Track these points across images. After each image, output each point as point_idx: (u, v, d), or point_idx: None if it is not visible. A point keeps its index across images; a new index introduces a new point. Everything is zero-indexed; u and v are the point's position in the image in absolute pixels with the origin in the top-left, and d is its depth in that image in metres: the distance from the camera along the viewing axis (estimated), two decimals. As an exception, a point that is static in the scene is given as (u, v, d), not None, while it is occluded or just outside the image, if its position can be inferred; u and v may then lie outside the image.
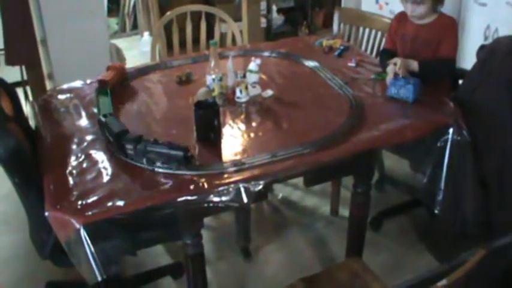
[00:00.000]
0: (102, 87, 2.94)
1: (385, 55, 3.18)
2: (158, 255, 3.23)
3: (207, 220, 2.39)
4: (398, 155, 3.26)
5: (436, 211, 2.80)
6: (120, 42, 6.09)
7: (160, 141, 2.31)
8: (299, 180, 2.64)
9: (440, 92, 2.93)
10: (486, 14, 4.15)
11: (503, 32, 3.92)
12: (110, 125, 2.43)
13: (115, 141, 2.38)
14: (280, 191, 3.77)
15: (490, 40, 4.02)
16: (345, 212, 3.39)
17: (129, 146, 2.32)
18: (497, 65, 2.85)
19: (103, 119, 2.48)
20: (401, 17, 3.18)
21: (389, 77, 2.89)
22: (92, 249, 2.08)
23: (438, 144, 2.68)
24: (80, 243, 2.06)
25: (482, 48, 3.00)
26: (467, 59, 3.04)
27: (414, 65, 2.92)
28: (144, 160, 2.29)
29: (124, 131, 2.39)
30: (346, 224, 2.94)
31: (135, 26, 6.79)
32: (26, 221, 2.50)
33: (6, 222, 3.63)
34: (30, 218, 2.46)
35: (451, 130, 2.65)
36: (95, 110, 2.76)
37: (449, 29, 3.05)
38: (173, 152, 2.26)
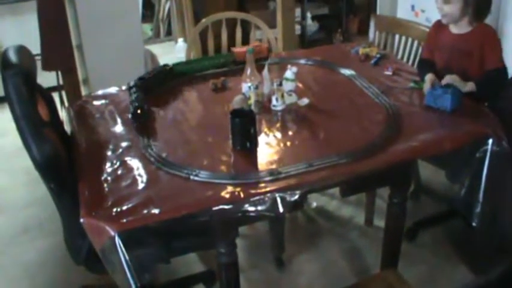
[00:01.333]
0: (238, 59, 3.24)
1: (423, 64, 3.14)
2: (191, 262, 3.22)
3: (241, 229, 2.36)
4: (436, 165, 3.21)
5: (473, 223, 2.75)
6: (154, 48, 6.11)
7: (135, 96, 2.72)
8: (334, 190, 2.61)
9: (478, 101, 2.88)
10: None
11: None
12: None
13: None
14: (315, 200, 3.74)
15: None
16: (379, 222, 3.35)
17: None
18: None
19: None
20: (439, 25, 3.14)
21: (427, 86, 2.85)
22: (127, 256, 2.07)
23: (477, 155, 2.63)
24: (115, 250, 2.06)
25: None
26: (507, 68, 2.99)
27: (470, 86, 2.86)
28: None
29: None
30: (381, 234, 2.90)
31: (169, 32, 6.82)
32: (60, 225, 2.51)
33: (40, 226, 3.66)
34: (65, 224, 2.47)
35: (490, 141, 2.60)
36: (130, 117, 2.76)
37: (491, 39, 3.00)
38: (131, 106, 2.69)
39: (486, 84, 2.92)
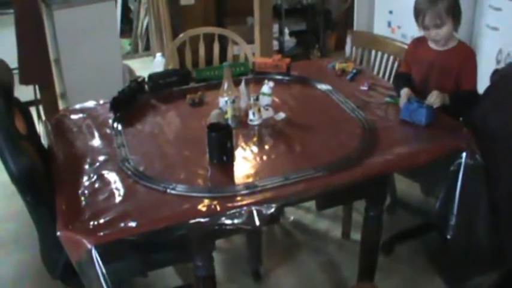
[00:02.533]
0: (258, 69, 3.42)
1: (400, 79, 3.18)
2: (168, 276, 3.21)
3: (218, 242, 2.38)
4: (411, 179, 3.25)
5: (448, 236, 2.78)
6: (133, 63, 6.13)
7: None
8: (311, 204, 2.64)
9: (452, 116, 2.92)
10: (498, 38, 4.16)
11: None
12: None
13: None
14: (292, 214, 3.76)
15: (502, 64, 4.02)
16: (356, 235, 3.37)
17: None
18: (510, 90, 2.85)
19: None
20: (419, 41, 3.19)
21: (402, 101, 2.89)
22: (104, 270, 2.06)
23: (451, 169, 2.67)
24: (92, 263, 2.05)
25: (495, 72, 3.01)
26: (479, 83, 3.04)
27: (446, 99, 2.90)
28: None
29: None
30: (358, 247, 2.93)
31: (147, 47, 6.83)
32: (37, 240, 2.50)
33: (16, 240, 3.63)
34: (42, 237, 2.47)
35: (464, 154, 2.63)
36: (108, 131, 2.77)
37: (470, 60, 3.06)
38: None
39: (460, 101, 2.97)
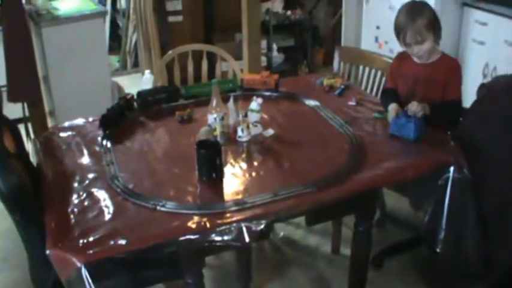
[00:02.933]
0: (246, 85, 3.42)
1: (387, 94, 3.20)
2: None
3: (208, 259, 2.38)
4: (399, 193, 3.26)
5: (437, 249, 2.79)
6: (121, 80, 6.14)
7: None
8: (300, 219, 2.64)
9: (440, 130, 2.94)
10: (484, 52, 4.20)
11: (501, 70, 3.96)
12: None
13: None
14: (281, 229, 3.76)
15: (488, 78, 4.06)
16: (346, 250, 3.37)
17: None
18: (496, 104, 2.87)
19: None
20: (403, 56, 3.21)
21: (391, 115, 2.90)
22: (93, 288, 2.06)
23: (439, 183, 2.68)
24: (81, 282, 2.05)
25: (482, 86, 3.03)
26: (466, 97, 3.07)
27: (426, 109, 2.90)
28: None
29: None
30: (348, 262, 2.93)
31: (136, 64, 6.83)
32: (26, 259, 2.49)
33: (5, 259, 3.61)
34: (31, 256, 2.45)
35: (451, 168, 2.65)
36: (97, 148, 2.76)
37: (455, 71, 3.08)
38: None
39: (441, 111, 2.98)
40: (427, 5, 3.07)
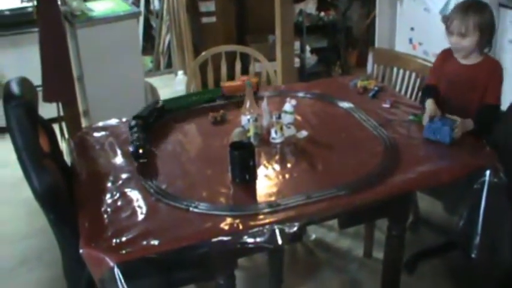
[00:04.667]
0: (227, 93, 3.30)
1: (427, 91, 3.16)
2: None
3: (240, 260, 2.38)
4: (434, 197, 3.23)
5: (472, 255, 2.75)
6: (154, 81, 6.16)
7: (136, 136, 2.70)
8: (333, 222, 2.63)
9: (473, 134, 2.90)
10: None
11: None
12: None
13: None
14: (314, 232, 3.74)
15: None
16: (378, 254, 3.35)
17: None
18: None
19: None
20: (446, 54, 3.17)
21: (427, 114, 2.87)
22: (126, 287, 2.07)
23: (474, 187, 2.64)
24: (114, 281, 2.06)
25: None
26: (503, 99, 3.03)
27: (470, 124, 2.88)
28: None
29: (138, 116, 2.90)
30: (380, 266, 2.91)
31: (169, 65, 6.87)
32: (59, 257, 2.51)
33: (39, 257, 3.66)
34: (64, 255, 2.48)
35: (487, 172, 2.61)
36: (130, 148, 2.77)
37: (496, 74, 3.04)
38: (131, 146, 2.65)
39: (485, 120, 2.96)
40: (488, 7, 3.03)
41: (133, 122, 2.85)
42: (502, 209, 2.68)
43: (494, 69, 3.05)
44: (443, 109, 2.92)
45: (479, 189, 2.64)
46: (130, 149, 2.66)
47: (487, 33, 2.99)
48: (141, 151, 2.63)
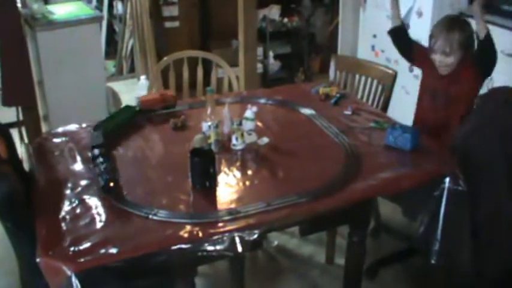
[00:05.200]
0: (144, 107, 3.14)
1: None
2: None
3: (201, 267, 2.36)
4: (395, 203, 3.24)
5: (432, 261, 2.77)
6: (117, 85, 6.11)
7: (108, 164, 2.53)
8: (294, 228, 2.62)
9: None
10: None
11: (498, 81, 3.94)
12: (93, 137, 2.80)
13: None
14: (276, 238, 3.73)
15: (485, 89, 4.04)
16: (340, 260, 3.35)
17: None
18: (491, 114, 2.87)
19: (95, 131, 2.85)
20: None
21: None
22: (84, 297, 2.04)
23: (435, 193, 2.67)
24: (72, 290, 2.02)
25: (479, 97, 3.04)
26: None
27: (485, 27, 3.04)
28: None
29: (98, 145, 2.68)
30: (342, 272, 2.92)
31: (132, 69, 6.81)
32: (16, 266, 2.46)
33: (-4, 266, 3.59)
34: (21, 264, 2.43)
35: (447, 179, 2.64)
36: (90, 155, 2.73)
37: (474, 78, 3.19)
38: (100, 178, 2.44)
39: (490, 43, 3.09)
40: (469, 24, 3.15)
41: (96, 151, 2.68)
42: (461, 216, 2.71)
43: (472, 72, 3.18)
44: (427, 122, 2.97)
45: (439, 196, 2.67)
46: (100, 182, 2.45)
47: (470, 48, 3.11)
48: (111, 184, 2.44)
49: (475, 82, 3.16)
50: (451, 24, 3.08)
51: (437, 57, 3.11)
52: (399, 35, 3.45)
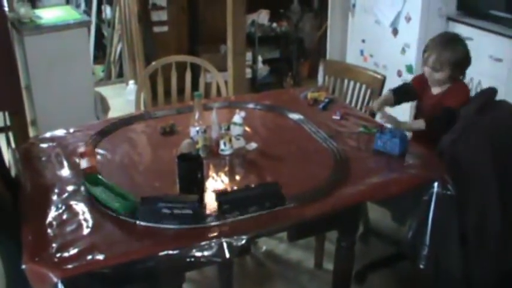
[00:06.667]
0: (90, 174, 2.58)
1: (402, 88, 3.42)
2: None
3: (189, 273, 2.35)
4: (384, 207, 3.24)
5: (421, 266, 2.77)
6: (106, 90, 6.09)
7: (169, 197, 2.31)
8: (283, 234, 2.61)
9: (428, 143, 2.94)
10: (469, 67, 4.19)
11: (486, 85, 3.97)
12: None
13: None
14: (264, 243, 3.72)
15: (473, 92, 4.06)
16: (329, 265, 3.34)
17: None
18: (478, 118, 2.88)
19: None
20: (424, 81, 3.31)
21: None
22: (70, 303, 2.02)
23: (423, 198, 2.67)
24: (58, 298, 2.01)
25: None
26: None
27: (421, 124, 3.04)
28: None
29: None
30: (331, 277, 2.90)
31: (120, 74, 6.79)
32: (2, 273, 2.44)
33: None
34: (7, 271, 2.40)
35: (435, 184, 2.64)
36: (77, 160, 2.71)
37: (460, 89, 3.21)
38: (184, 211, 2.24)
39: (437, 120, 3.08)
40: (464, 44, 3.19)
41: None
42: (449, 221, 2.71)
43: (459, 87, 3.20)
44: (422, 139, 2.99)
45: (428, 201, 2.67)
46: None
47: (460, 67, 3.16)
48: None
49: (460, 93, 3.18)
50: (446, 43, 3.14)
51: (427, 70, 3.19)
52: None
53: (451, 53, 3.09)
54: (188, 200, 2.28)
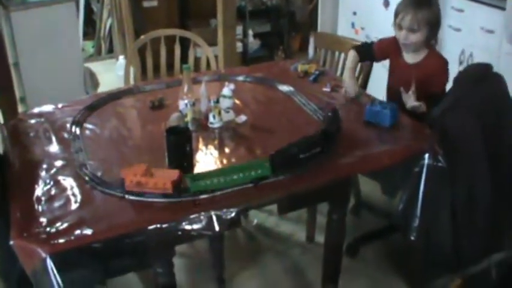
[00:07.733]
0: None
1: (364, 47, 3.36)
2: (129, 284, 3.15)
3: (180, 248, 2.34)
4: (375, 180, 3.23)
5: (412, 237, 2.76)
6: (96, 66, 6.06)
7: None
8: (274, 206, 2.60)
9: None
10: (461, 39, 4.17)
11: (477, 57, 3.95)
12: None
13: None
14: (255, 217, 3.72)
15: (464, 65, 4.04)
16: (320, 238, 3.32)
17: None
18: (468, 91, 2.86)
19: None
20: (396, 48, 3.22)
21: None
22: (59, 279, 2.01)
23: (414, 170, 2.65)
24: (47, 273, 1.99)
25: (459, 73, 3.03)
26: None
27: (423, 106, 2.93)
28: None
29: None
30: (322, 250, 2.90)
31: (111, 50, 6.74)
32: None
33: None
34: (-3, 249, 2.39)
35: (426, 156, 2.63)
36: (65, 135, 2.69)
37: (442, 69, 3.10)
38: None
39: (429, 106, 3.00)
40: (437, 3, 3.12)
41: None
42: (440, 193, 2.71)
43: (439, 66, 3.10)
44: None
45: (419, 173, 2.65)
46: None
47: (435, 28, 3.06)
48: None
49: (443, 74, 3.12)
50: (419, 2, 3.03)
51: (402, 34, 3.06)
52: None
53: (427, 11, 3.00)
54: (311, 140, 2.44)
